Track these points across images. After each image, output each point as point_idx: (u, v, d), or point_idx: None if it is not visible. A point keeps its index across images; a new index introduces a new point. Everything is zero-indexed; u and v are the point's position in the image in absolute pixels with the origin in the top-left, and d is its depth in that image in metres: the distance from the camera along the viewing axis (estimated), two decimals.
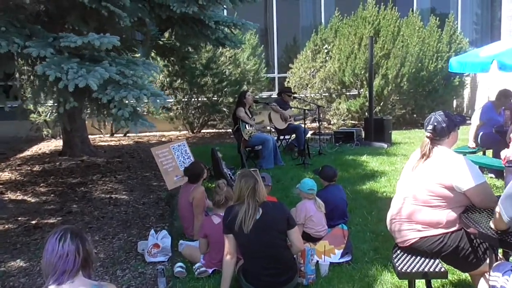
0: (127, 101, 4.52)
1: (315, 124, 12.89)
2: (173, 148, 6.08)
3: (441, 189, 3.03)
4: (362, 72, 11.62)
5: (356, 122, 12.73)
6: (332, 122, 12.53)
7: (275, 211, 3.23)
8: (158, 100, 4.61)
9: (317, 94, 12.60)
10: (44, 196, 6.35)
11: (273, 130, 8.96)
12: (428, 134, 3.18)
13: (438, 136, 3.14)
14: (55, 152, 9.48)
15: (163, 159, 5.88)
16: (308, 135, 9.79)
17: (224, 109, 11.49)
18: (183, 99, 11.72)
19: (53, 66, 4.19)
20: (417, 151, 3.28)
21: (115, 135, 12.16)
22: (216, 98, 11.71)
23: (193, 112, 11.82)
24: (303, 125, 8.27)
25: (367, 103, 11.08)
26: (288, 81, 13.09)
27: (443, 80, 12.16)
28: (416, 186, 3.14)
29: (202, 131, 12.63)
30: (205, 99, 11.78)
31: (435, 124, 3.14)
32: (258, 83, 12.22)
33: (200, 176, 4.63)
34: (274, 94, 12.19)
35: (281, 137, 9.07)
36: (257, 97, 11.89)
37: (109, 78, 4.35)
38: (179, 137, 11.61)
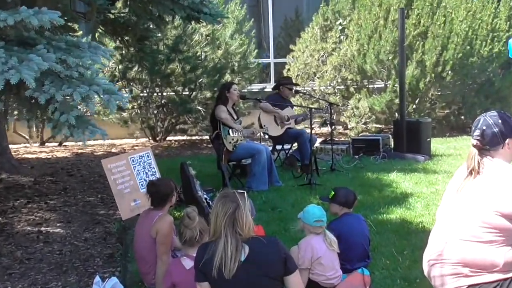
0: (72, 101, 4.52)
1: (326, 129, 12.98)
2: (133, 160, 6.09)
3: (498, 219, 3.06)
4: (390, 58, 11.77)
5: (382, 126, 12.84)
6: (349, 126, 12.64)
7: (268, 249, 3.22)
8: (114, 100, 4.61)
9: (328, 87, 12.71)
10: None
11: (266, 137, 9.01)
12: (475, 142, 3.22)
13: (488, 144, 3.17)
14: None
15: (118, 175, 5.91)
16: (316, 144, 9.85)
17: (199, 108, 11.54)
18: (141, 94, 11.75)
19: None
20: (463, 167, 3.32)
21: (46, 144, 12.11)
22: (187, 93, 11.74)
23: (155, 112, 11.85)
24: (308, 130, 8.32)
25: (396, 100, 11.20)
26: (289, 69, 13.19)
27: (500, 69, 12.36)
28: (463, 214, 3.17)
29: (168, 138, 12.65)
30: (172, 93, 11.81)
31: (484, 128, 3.18)
32: (246, 72, 12.30)
33: (168, 199, 4.63)
34: (269, 87, 12.27)
35: (278, 147, 9.14)
36: (245, 91, 11.95)
37: (47, 69, 4.33)
38: (137, 147, 11.61)
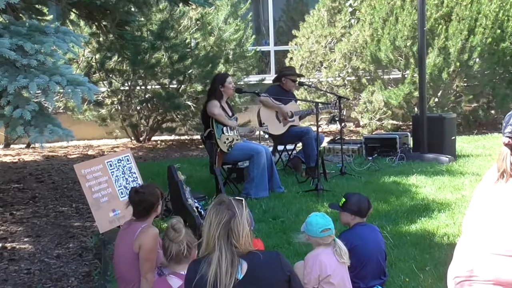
0: (28, 94, 4.49)
1: (335, 127, 12.99)
2: (110, 165, 6.08)
3: None
4: (408, 44, 11.78)
5: (400, 123, 12.85)
6: (361, 123, 12.64)
7: (268, 266, 3.20)
8: (79, 92, 4.58)
9: (337, 79, 12.72)
10: None
11: (266, 136, 9.00)
12: (507, 140, 3.23)
13: None
14: None
15: (94, 182, 5.90)
16: (324, 143, 9.85)
17: (189, 103, 11.54)
18: (122, 88, 11.75)
19: None
20: (493, 169, 3.31)
21: (12, 146, 12.08)
22: (175, 86, 11.74)
23: (138, 108, 11.86)
24: (314, 128, 8.32)
25: (416, 93, 11.21)
26: (291, 58, 13.21)
27: None
28: (494, 224, 3.16)
29: (154, 138, 12.65)
30: (157, 87, 11.81)
31: None
32: (242, 61, 12.32)
33: (153, 209, 4.62)
34: (269, 79, 12.27)
35: (280, 148, 9.15)
36: (241, 83, 11.95)
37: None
38: (117, 148, 11.60)
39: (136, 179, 6.23)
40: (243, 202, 3.29)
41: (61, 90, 4.64)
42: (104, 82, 11.61)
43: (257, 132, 8.51)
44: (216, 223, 3.17)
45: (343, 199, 4.73)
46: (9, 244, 6.31)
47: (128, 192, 4.82)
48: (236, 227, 3.17)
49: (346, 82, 12.68)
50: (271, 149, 8.65)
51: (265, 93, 8.67)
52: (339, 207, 4.72)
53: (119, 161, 6.17)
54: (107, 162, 6.07)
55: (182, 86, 11.64)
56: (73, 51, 5.41)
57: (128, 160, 6.25)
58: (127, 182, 6.12)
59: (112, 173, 6.05)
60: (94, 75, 11.53)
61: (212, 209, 3.24)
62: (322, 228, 4.21)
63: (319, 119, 8.13)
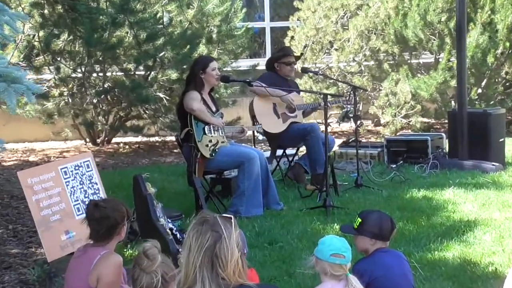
0: None
1: (348, 125, 12.95)
2: (65, 172, 6.04)
3: None
4: (443, 19, 11.82)
5: (432, 121, 12.87)
6: (383, 121, 12.63)
7: None
8: (13, 92, 4.55)
9: (351, 64, 12.71)
10: None
11: (261, 138, 8.99)
12: None
13: None
14: None
15: (43, 195, 5.85)
16: (334, 147, 9.82)
17: (160, 95, 11.51)
18: (73, 75, 11.70)
19: None
20: None
21: None
22: (142, 73, 11.71)
23: (94, 101, 11.82)
24: (322, 127, 8.33)
25: (453, 82, 11.24)
26: (293, 37, 13.21)
27: None
28: None
29: (115, 140, 12.60)
30: (119, 74, 11.77)
31: None
32: (230, 42, 12.31)
33: (117, 230, 4.61)
34: (263, 64, 12.26)
35: (278, 153, 9.18)
36: (229, 70, 11.94)
37: None
38: (67, 153, 11.58)
39: (97, 192, 6.21)
40: (232, 220, 3.29)
41: None
42: (50, 67, 11.56)
43: (249, 132, 8.51)
44: (198, 248, 3.17)
45: (359, 219, 4.71)
46: None
47: (87, 208, 4.80)
48: (223, 253, 3.17)
49: (363, 68, 12.70)
50: (267, 154, 8.65)
51: (259, 80, 8.65)
52: (354, 230, 4.72)
53: (77, 168, 6.14)
54: (61, 169, 6.03)
55: (152, 73, 11.61)
56: (5, 35, 5.37)
57: (88, 167, 6.22)
58: (86, 195, 6.09)
59: (67, 183, 6.03)
60: (36, 59, 11.50)
61: (192, 230, 3.24)
62: (334, 251, 4.19)
63: (328, 115, 8.14)
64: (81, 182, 6.14)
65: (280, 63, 8.86)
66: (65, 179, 6.04)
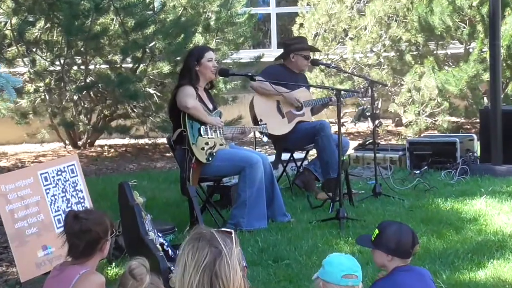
0: None
1: (365, 125, 12.96)
2: (45, 178, 6.02)
3: None
4: (475, 4, 11.80)
5: (461, 120, 12.84)
6: (404, 120, 12.61)
7: None
8: None
9: (369, 55, 12.70)
10: None
11: (265, 139, 8.97)
12: None
13: None
14: None
15: (18, 205, 5.82)
16: (349, 150, 9.81)
17: (150, 91, 11.51)
18: (51, 68, 11.70)
19: None
20: None
21: None
22: (130, 65, 11.70)
23: (75, 98, 11.80)
24: (334, 127, 8.32)
25: (486, 76, 11.21)
26: (301, 25, 13.21)
27: None
28: None
29: (98, 142, 12.60)
30: (104, 67, 11.77)
31: None
32: (230, 29, 12.30)
33: (99, 246, 4.60)
34: (269, 55, 12.25)
35: (285, 157, 9.19)
36: (229, 62, 11.94)
37: None
38: (43, 158, 11.58)
39: (82, 201, 6.20)
40: (233, 235, 3.29)
41: None
42: (24, 59, 11.56)
43: (251, 134, 8.50)
44: (194, 267, 3.17)
45: (376, 231, 4.71)
46: None
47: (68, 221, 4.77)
48: (223, 272, 3.16)
49: (382, 60, 12.70)
50: (271, 158, 8.64)
51: (261, 76, 8.63)
52: (370, 242, 4.71)
53: (59, 173, 6.11)
54: (40, 174, 6.00)
55: (141, 65, 11.60)
56: None
57: (72, 172, 6.20)
58: (69, 205, 6.08)
59: (47, 191, 6.00)
60: (8, 50, 11.50)
61: (187, 246, 3.24)
62: (345, 272, 4.18)
63: (341, 114, 8.13)
64: (64, 190, 6.12)
65: (299, 54, 8.87)
66: (45, 186, 6.01)
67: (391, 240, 4.65)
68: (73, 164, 6.24)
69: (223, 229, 3.32)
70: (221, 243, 3.22)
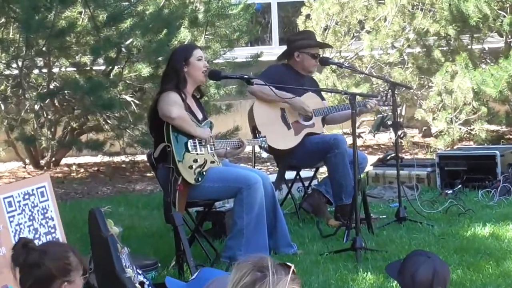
0: None
1: (386, 136, 12.92)
2: (9, 204, 6.00)
3: None
4: None
5: (502, 129, 12.83)
6: (433, 130, 12.61)
7: None
8: None
9: (390, 51, 12.71)
10: None
11: (265, 156, 8.98)
12: None
13: None
14: None
15: None
16: (368, 167, 9.80)
17: (127, 98, 11.53)
18: (6, 72, 11.70)
19: None
20: None
21: None
22: (102, 67, 11.71)
23: (36, 108, 11.80)
24: (349, 139, 8.33)
25: None
26: (308, 17, 13.22)
27: None
28: None
29: (65, 160, 12.59)
30: (71, 70, 11.79)
31: None
32: (222, 23, 12.33)
33: (51, 287, 4.59)
34: (270, 54, 12.28)
35: (290, 176, 9.22)
36: (222, 62, 11.97)
37: None
38: (1, 179, 11.60)
39: (53, 230, 6.18)
40: (292, 268, 3.34)
41: None
42: None
43: (249, 148, 8.51)
44: (233, 285, 3.24)
45: (405, 261, 4.74)
46: None
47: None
48: None
49: (406, 58, 12.73)
50: (274, 177, 8.65)
51: (260, 79, 8.62)
52: (398, 273, 4.72)
53: (27, 197, 6.06)
54: (3, 199, 5.98)
55: (116, 68, 11.62)
56: None
57: (43, 195, 6.15)
58: (37, 236, 6.07)
59: (11, 219, 5.96)
60: None
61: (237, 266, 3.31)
62: None
63: (357, 123, 8.13)
64: (31, 217, 6.07)
65: (304, 53, 8.86)
66: (8, 213, 5.95)
67: (407, 272, 4.66)
68: (44, 186, 6.21)
69: (285, 263, 3.37)
70: (270, 270, 3.26)
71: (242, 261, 3.30)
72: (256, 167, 8.92)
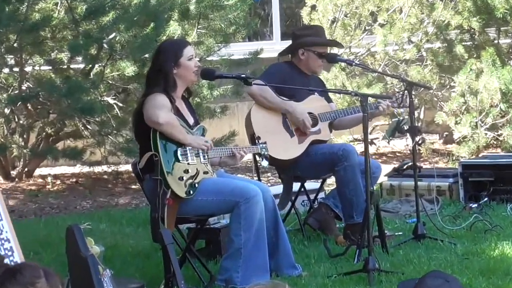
0: None
1: (402, 143, 12.92)
2: None
3: None
4: None
5: None
6: (456, 136, 12.61)
7: None
8: None
9: (406, 47, 12.74)
10: None
11: (265, 164, 8.97)
12: None
13: None
14: None
15: None
16: (381, 178, 9.80)
17: (109, 101, 11.53)
18: None
19: None
20: None
21: None
22: (82, 66, 11.72)
23: (7, 112, 11.81)
24: (360, 147, 8.31)
25: None
26: (313, 8, 13.22)
27: None
28: None
29: (40, 171, 12.59)
30: (46, 68, 11.80)
31: None
32: (216, 15, 12.35)
33: None
34: (271, 50, 12.28)
35: (293, 187, 9.17)
36: (216, 60, 11.97)
37: None
38: None
39: (10, 253, 6.18)
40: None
41: None
42: None
43: (247, 156, 8.50)
44: None
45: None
46: None
47: None
48: None
49: (425, 54, 12.74)
50: (275, 189, 8.63)
51: (261, 79, 8.61)
52: None
53: None
54: None
55: (96, 66, 11.63)
56: None
57: None
58: None
59: None
60: None
61: None
62: None
63: (369, 128, 8.12)
64: None
65: (310, 51, 8.84)
66: None
67: None
68: None
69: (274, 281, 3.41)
70: None
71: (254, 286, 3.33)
72: (255, 178, 8.86)
